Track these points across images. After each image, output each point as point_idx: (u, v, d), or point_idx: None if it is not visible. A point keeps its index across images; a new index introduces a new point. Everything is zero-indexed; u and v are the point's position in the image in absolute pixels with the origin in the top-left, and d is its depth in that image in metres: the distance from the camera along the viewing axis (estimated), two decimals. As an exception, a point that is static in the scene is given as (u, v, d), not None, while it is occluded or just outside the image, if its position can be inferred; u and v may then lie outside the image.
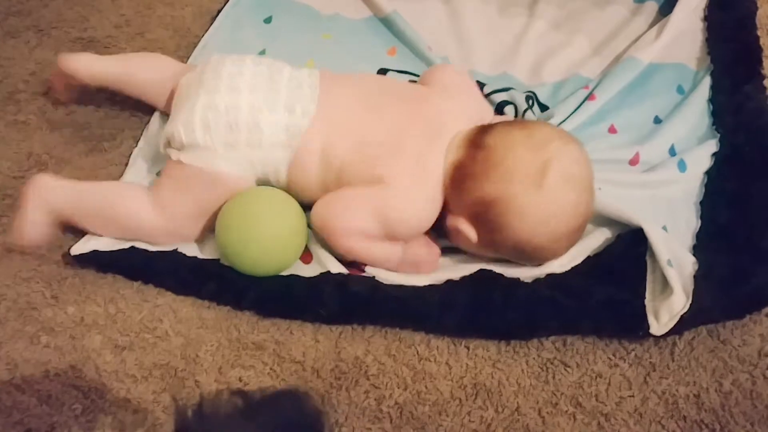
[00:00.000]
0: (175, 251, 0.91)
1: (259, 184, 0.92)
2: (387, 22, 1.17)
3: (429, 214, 0.88)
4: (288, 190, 0.92)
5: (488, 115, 1.00)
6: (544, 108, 1.07)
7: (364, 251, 0.89)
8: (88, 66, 1.01)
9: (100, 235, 0.92)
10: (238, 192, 0.89)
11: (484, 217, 0.85)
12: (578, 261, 0.89)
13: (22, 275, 0.90)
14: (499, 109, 1.05)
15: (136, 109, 1.06)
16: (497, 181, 0.84)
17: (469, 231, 0.86)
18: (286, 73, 0.92)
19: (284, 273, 0.89)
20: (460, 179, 0.86)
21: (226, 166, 0.88)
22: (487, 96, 1.07)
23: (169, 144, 0.90)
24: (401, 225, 0.88)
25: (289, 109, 0.88)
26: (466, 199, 0.86)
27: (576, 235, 0.88)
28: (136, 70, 1.01)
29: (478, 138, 0.88)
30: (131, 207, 0.90)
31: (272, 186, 0.92)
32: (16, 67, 1.11)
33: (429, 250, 0.91)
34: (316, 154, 0.89)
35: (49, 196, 0.90)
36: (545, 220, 0.84)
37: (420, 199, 0.87)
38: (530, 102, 1.06)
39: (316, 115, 0.89)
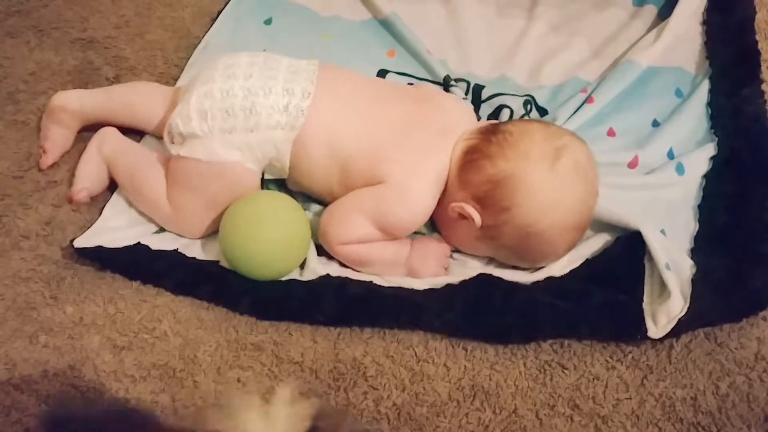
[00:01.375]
0: (176, 251, 0.91)
1: (262, 172, 0.92)
2: (386, 24, 1.17)
3: (422, 214, 0.89)
4: (291, 177, 0.92)
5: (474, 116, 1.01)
6: (543, 112, 1.07)
7: (367, 255, 0.89)
8: (80, 103, 1.00)
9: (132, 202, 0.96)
10: (242, 183, 0.89)
11: (492, 195, 0.85)
12: (576, 264, 0.90)
13: (21, 275, 0.90)
14: (495, 114, 1.06)
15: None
16: (513, 158, 0.84)
17: (474, 214, 0.86)
18: (285, 63, 0.93)
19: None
20: (472, 160, 0.87)
21: (225, 153, 0.88)
22: (484, 101, 1.07)
23: (170, 141, 0.91)
24: (395, 225, 0.88)
25: (288, 91, 0.89)
26: (475, 179, 0.86)
27: (576, 234, 0.88)
28: (126, 104, 1.01)
29: (494, 127, 0.89)
30: (151, 191, 0.93)
31: (275, 174, 0.93)
32: (16, 67, 1.11)
33: (440, 243, 0.92)
34: (322, 142, 0.89)
35: (104, 146, 0.97)
36: (552, 204, 0.84)
37: (414, 199, 0.87)
38: (528, 107, 1.06)
39: (317, 96, 0.89)
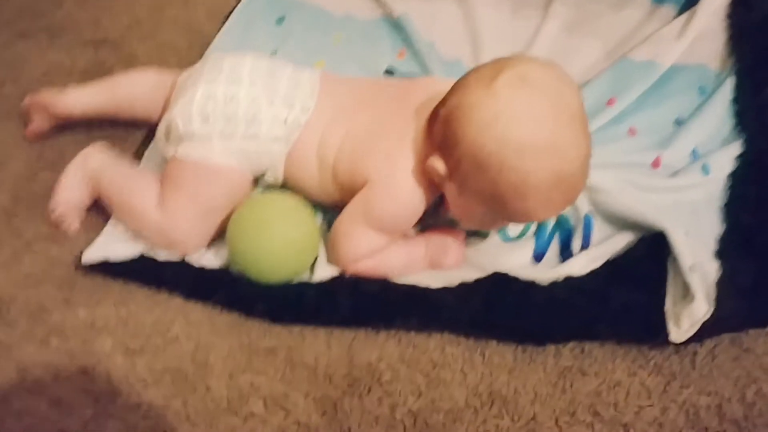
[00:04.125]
0: (182, 261, 0.90)
1: (255, 179, 0.92)
2: (397, 25, 1.17)
3: (412, 203, 0.86)
4: (285, 185, 0.92)
5: None
6: None
7: (382, 265, 0.87)
8: (76, 100, 1.00)
9: (118, 221, 0.94)
10: (236, 188, 0.89)
11: (445, 136, 0.79)
12: (597, 264, 0.88)
13: (33, 278, 0.90)
14: None
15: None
16: (457, 92, 0.80)
17: (438, 163, 0.81)
18: (287, 71, 0.92)
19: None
20: (433, 116, 0.83)
21: (221, 157, 0.88)
22: None
23: (167, 138, 0.90)
24: (388, 220, 0.86)
25: (288, 104, 0.89)
26: (435, 130, 0.82)
27: (548, 158, 0.76)
28: (122, 92, 1.00)
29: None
30: (141, 201, 0.91)
31: (268, 181, 0.93)
32: (29, 68, 1.11)
33: (455, 234, 0.91)
34: (313, 149, 0.89)
35: (89, 161, 0.95)
36: (490, 119, 0.75)
37: (399, 189, 0.85)
38: None
39: (314, 111, 0.89)
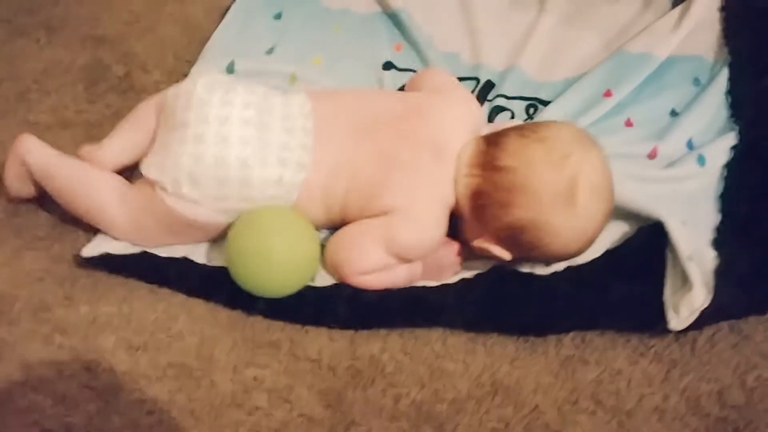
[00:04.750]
0: (185, 258, 0.90)
1: None
2: (394, 18, 1.17)
3: (437, 233, 0.87)
4: None
5: (481, 115, 0.99)
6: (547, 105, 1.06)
7: (384, 281, 0.87)
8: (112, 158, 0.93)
9: (66, 209, 0.91)
10: (218, 231, 0.88)
11: (517, 240, 0.84)
12: (597, 255, 0.88)
13: (35, 275, 0.90)
14: (495, 113, 1.05)
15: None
16: (526, 206, 0.82)
17: (502, 253, 0.85)
18: (278, 113, 0.87)
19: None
20: (483, 206, 0.85)
21: (210, 216, 0.86)
22: (488, 101, 1.06)
23: (152, 185, 0.86)
24: (413, 250, 0.87)
25: (281, 163, 0.85)
26: (493, 226, 0.84)
27: (595, 236, 0.87)
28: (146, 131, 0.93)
29: (492, 157, 0.85)
30: (100, 197, 0.89)
31: None
32: (27, 65, 1.11)
33: (448, 249, 0.89)
34: (316, 200, 0.87)
35: (27, 156, 0.90)
36: (581, 235, 0.84)
37: (425, 219, 0.86)
38: (531, 111, 1.05)
39: (312, 164, 0.86)
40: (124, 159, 0.93)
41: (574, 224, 0.83)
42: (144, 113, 0.93)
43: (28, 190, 0.93)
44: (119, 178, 0.91)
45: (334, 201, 0.88)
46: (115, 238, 0.90)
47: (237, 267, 0.85)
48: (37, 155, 0.91)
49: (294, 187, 0.86)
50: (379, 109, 0.92)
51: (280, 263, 0.84)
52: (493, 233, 0.85)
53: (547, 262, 0.88)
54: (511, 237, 0.84)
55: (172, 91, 0.90)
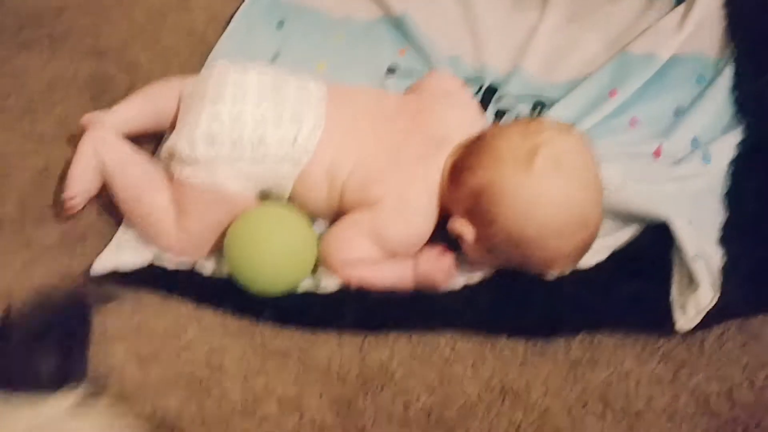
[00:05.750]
0: (192, 271, 0.90)
1: (261, 198, 0.91)
2: (398, 23, 1.17)
3: (424, 227, 0.87)
4: (290, 202, 0.91)
5: (483, 118, 1.00)
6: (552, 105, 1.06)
7: (372, 277, 0.87)
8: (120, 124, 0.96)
9: (124, 215, 0.93)
10: (241, 210, 0.88)
11: (477, 209, 0.83)
12: (603, 256, 0.88)
13: (44, 288, 0.90)
14: (500, 117, 1.05)
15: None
16: (488, 165, 0.82)
17: (467, 229, 0.84)
18: (293, 85, 0.91)
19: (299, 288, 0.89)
20: (457, 174, 0.85)
21: (225, 182, 0.87)
22: (493, 103, 1.07)
23: (170, 158, 0.90)
24: (398, 243, 0.87)
25: (296, 123, 0.87)
26: (461, 194, 0.84)
27: (580, 233, 0.83)
28: (157, 107, 0.97)
29: (477, 137, 0.87)
30: (162, 217, 0.90)
31: (273, 198, 0.91)
32: (31, 78, 1.11)
33: (440, 260, 0.87)
34: (322, 172, 0.89)
35: (100, 151, 0.93)
36: (532, 206, 0.80)
37: (412, 213, 0.86)
38: (538, 109, 1.05)
39: (324, 132, 0.88)
40: (130, 127, 0.96)
41: (525, 188, 0.80)
42: (160, 92, 0.97)
43: (92, 187, 0.94)
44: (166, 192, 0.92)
45: (337, 182, 0.88)
46: (163, 249, 0.91)
47: (235, 261, 0.86)
48: (115, 147, 0.93)
49: (305, 152, 0.87)
50: (389, 103, 0.94)
51: (275, 246, 0.85)
52: (461, 205, 0.84)
53: (515, 257, 0.84)
54: (474, 206, 0.83)
55: (186, 90, 0.93)
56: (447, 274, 0.88)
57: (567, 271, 0.87)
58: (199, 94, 0.90)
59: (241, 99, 0.87)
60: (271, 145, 0.87)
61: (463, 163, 0.85)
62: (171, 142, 0.89)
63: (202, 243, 0.91)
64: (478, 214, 0.83)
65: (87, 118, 0.97)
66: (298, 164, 0.88)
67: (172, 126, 0.95)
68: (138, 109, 0.98)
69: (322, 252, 0.89)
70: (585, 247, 0.85)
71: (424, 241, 0.88)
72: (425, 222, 0.87)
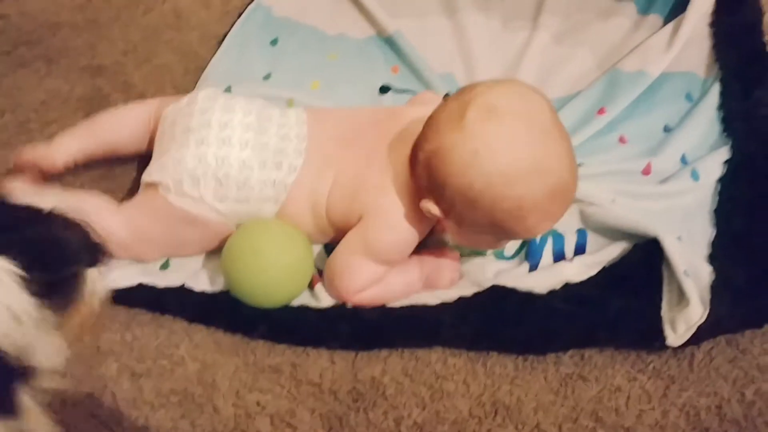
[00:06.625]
0: (182, 287, 0.91)
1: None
2: (390, 42, 1.18)
3: (411, 228, 0.87)
4: None
5: None
6: None
7: (384, 293, 0.88)
8: (64, 152, 0.97)
9: None
10: (217, 233, 0.90)
11: (432, 182, 0.81)
12: (594, 272, 0.89)
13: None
14: None
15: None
16: (430, 137, 0.81)
17: (432, 207, 0.82)
18: (275, 121, 0.91)
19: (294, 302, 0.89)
20: (414, 159, 0.84)
21: (210, 213, 0.88)
22: None
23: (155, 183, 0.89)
24: (393, 251, 0.88)
25: (276, 166, 0.88)
26: (420, 175, 0.83)
27: (536, 181, 0.77)
28: (107, 134, 0.99)
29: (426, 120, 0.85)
30: (97, 211, 0.88)
31: None
32: (27, 96, 1.12)
33: (447, 256, 0.91)
34: (304, 203, 0.89)
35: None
36: (471, 157, 0.77)
37: (395, 219, 0.86)
38: None
39: (302, 167, 0.88)
40: (72, 159, 0.97)
41: (463, 144, 0.77)
42: (108, 120, 0.99)
43: None
44: (105, 196, 0.94)
45: (320, 201, 0.89)
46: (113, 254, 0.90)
47: (232, 274, 0.87)
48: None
49: (285, 187, 0.88)
50: (364, 116, 0.95)
51: (272, 263, 0.86)
52: (423, 185, 0.83)
53: (479, 219, 0.81)
54: (428, 179, 0.81)
55: (168, 113, 0.93)
56: (453, 269, 0.90)
57: (549, 228, 0.85)
58: (183, 126, 0.90)
59: (226, 141, 0.88)
60: (255, 187, 0.88)
61: (415, 147, 0.84)
62: (156, 176, 0.89)
63: (154, 250, 0.92)
64: (434, 187, 0.81)
65: (29, 152, 0.97)
66: (278, 202, 0.89)
67: (121, 152, 0.99)
68: (78, 139, 0.98)
69: (329, 286, 0.89)
70: (555, 198, 0.79)
71: (418, 240, 0.88)
72: (409, 226, 0.87)
